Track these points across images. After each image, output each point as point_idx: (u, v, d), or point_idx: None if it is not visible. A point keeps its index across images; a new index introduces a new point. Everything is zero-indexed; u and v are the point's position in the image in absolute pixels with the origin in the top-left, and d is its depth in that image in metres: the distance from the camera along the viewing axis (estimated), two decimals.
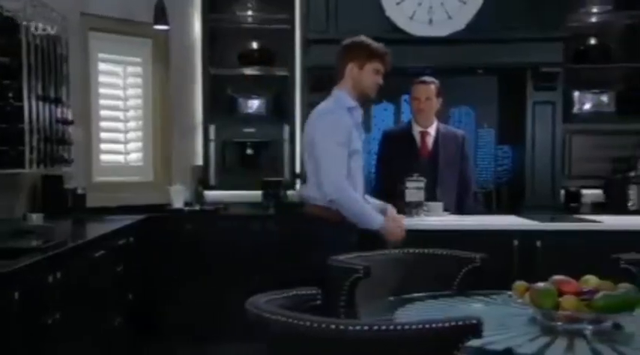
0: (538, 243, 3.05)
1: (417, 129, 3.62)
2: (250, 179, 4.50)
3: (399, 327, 1.37)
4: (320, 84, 4.40)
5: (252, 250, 4.12)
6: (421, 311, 2.04)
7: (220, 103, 4.67)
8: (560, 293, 1.86)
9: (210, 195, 4.57)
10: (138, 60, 4.33)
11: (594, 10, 4.48)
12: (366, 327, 1.37)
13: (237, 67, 4.62)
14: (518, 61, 4.28)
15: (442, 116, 4.40)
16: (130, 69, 4.33)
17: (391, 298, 2.23)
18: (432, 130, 3.62)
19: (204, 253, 4.14)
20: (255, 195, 4.46)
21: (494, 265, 2.73)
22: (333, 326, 1.38)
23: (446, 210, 3.45)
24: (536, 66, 4.29)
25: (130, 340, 3.65)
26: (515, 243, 3.08)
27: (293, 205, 4.50)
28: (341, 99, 2.78)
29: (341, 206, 2.67)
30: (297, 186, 4.59)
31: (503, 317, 1.95)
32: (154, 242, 4.03)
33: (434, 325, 1.40)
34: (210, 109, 4.59)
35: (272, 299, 1.65)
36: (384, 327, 1.37)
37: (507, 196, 4.60)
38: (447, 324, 1.40)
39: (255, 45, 4.65)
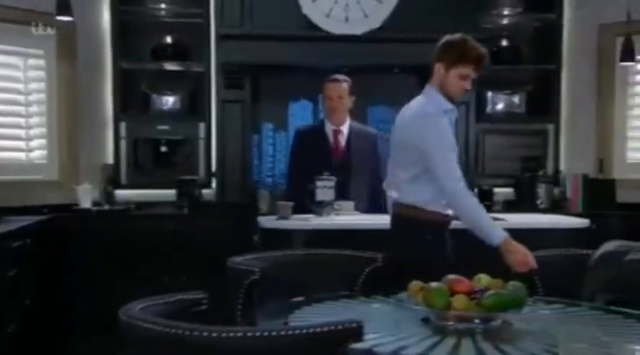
0: None
1: (329, 128, 3.60)
2: (164, 178, 4.37)
3: (274, 333, 1.32)
4: (234, 81, 4.34)
5: (165, 250, 4.00)
6: (317, 314, 2.00)
7: (133, 99, 4.50)
8: (453, 293, 1.87)
9: (121, 194, 4.40)
10: (40, 52, 4.10)
11: (505, 12, 4.58)
12: (239, 334, 1.30)
13: (150, 62, 4.47)
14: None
15: (360, 115, 4.42)
16: (32, 62, 4.09)
17: (291, 300, 2.18)
18: (344, 129, 3.60)
19: (114, 254, 3.98)
20: (170, 194, 4.33)
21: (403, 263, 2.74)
22: (205, 334, 1.31)
23: (358, 209, 3.44)
24: None
25: (35, 345, 3.47)
26: None
27: (208, 205, 4.40)
28: (436, 101, 2.60)
29: (459, 214, 2.53)
30: (213, 184, 4.48)
31: (398, 317, 1.93)
32: (59, 244, 3.84)
33: (311, 330, 1.35)
34: (122, 105, 4.41)
35: (151, 305, 1.57)
36: (258, 334, 1.31)
37: None
38: (325, 329, 1.36)
39: (169, 39, 4.51)
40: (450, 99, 2.61)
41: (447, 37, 2.65)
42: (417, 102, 2.65)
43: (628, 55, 4.07)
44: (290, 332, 1.33)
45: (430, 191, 2.55)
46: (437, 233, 2.58)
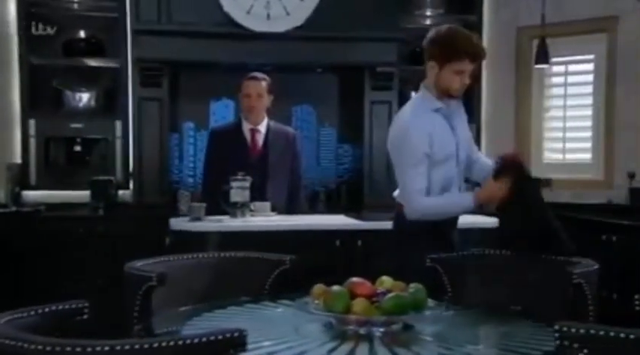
0: (359, 243, 3.04)
1: (246, 127, 3.50)
2: (78, 178, 4.19)
3: (145, 346, 1.22)
4: (152, 78, 4.19)
5: (78, 254, 3.82)
6: (215, 321, 1.92)
7: (43, 96, 4.29)
8: (354, 296, 1.82)
9: (31, 195, 4.19)
10: None
11: (427, 13, 4.60)
12: (107, 347, 1.20)
13: (62, 57, 4.26)
14: (356, 60, 4.31)
15: (285, 115, 4.34)
16: None
17: (191, 306, 2.09)
18: (262, 128, 3.51)
19: (22, 258, 3.76)
20: (84, 195, 4.14)
21: (319, 265, 2.69)
22: (68, 348, 1.20)
23: (275, 209, 3.36)
24: (372, 65, 4.33)
25: None
26: (337, 242, 3.05)
27: (123, 206, 4.24)
28: (425, 101, 2.46)
29: (432, 217, 2.44)
30: (131, 185, 4.32)
31: (300, 322, 1.87)
32: None
33: (188, 341, 1.26)
34: (31, 102, 4.20)
35: (20, 317, 1.44)
36: (127, 347, 1.21)
37: (348, 195, 4.62)
38: (204, 339, 1.28)
39: (82, 34, 4.32)
40: (451, 96, 2.45)
41: (434, 32, 2.46)
42: (407, 105, 2.55)
43: (542, 57, 4.16)
44: (164, 344, 1.24)
45: None
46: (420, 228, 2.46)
